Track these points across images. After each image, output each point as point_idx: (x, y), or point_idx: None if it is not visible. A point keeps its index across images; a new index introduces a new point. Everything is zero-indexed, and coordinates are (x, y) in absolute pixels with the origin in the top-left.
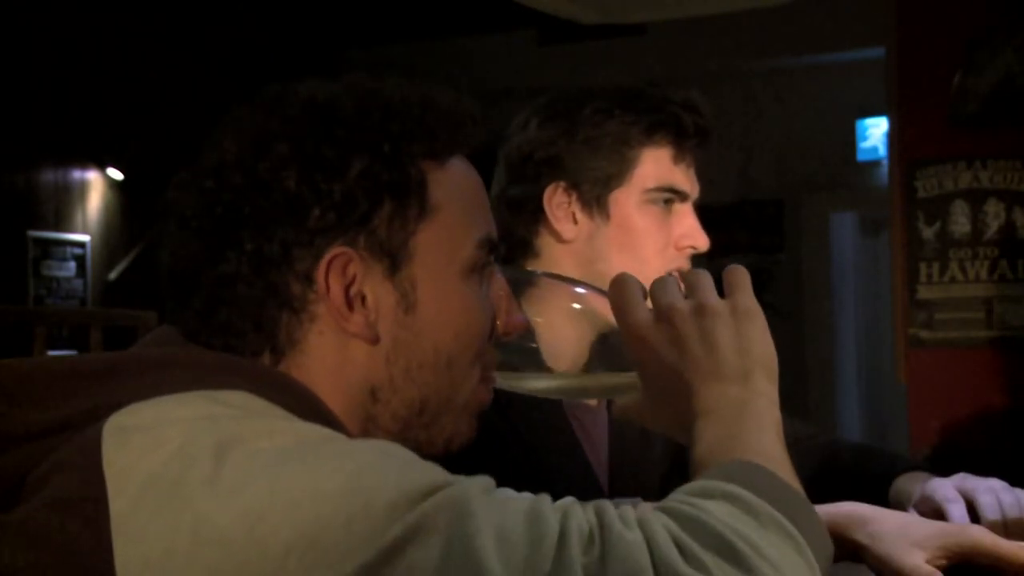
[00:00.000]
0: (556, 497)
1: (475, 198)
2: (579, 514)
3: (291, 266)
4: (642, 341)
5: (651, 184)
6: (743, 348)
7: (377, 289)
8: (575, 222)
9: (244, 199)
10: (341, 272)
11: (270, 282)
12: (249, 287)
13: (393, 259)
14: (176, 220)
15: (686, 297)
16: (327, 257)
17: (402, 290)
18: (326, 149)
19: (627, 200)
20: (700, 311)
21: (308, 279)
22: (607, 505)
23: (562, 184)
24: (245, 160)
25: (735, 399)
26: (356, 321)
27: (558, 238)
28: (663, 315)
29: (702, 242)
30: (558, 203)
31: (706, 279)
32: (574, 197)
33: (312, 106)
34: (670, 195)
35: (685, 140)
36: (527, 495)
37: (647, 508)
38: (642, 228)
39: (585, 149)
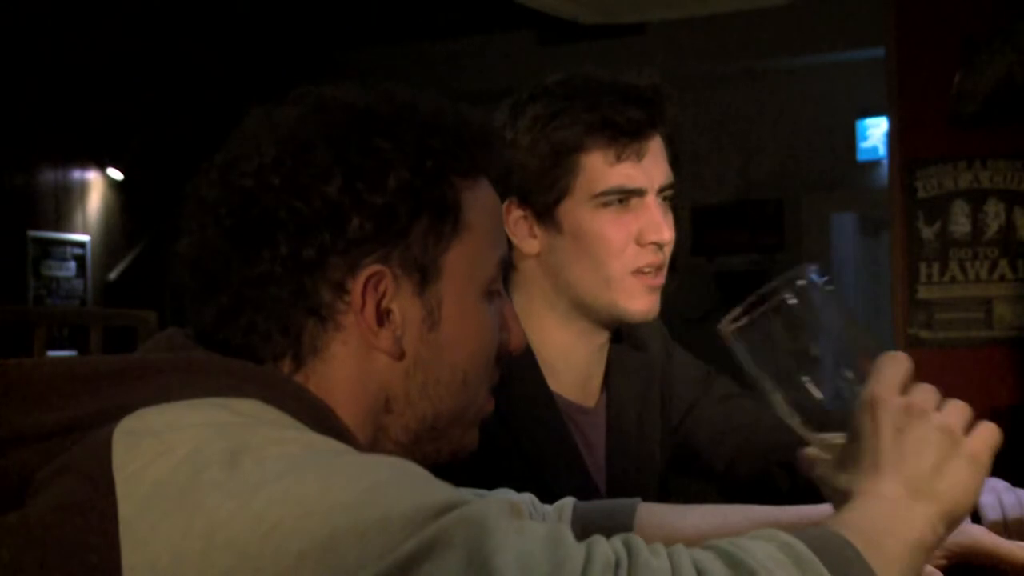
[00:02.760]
0: (554, 499)
1: (498, 219)
2: (604, 543)
3: (325, 273)
4: (874, 414)
5: (597, 189)
6: (949, 483)
7: (405, 305)
8: (534, 236)
9: (283, 202)
10: (375, 288)
11: (302, 286)
12: (279, 289)
13: (424, 275)
14: (207, 216)
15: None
16: (365, 274)
17: (428, 307)
18: (369, 159)
19: (576, 209)
20: (943, 430)
21: (340, 288)
22: (635, 537)
23: (515, 200)
24: (286, 163)
25: (902, 504)
26: (384, 337)
27: (523, 253)
28: (910, 408)
29: (665, 236)
30: (515, 220)
31: (968, 412)
32: (529, 212)
33: (353, 114)
34: (620, 195)
35: (622, 138)
36: (545, 524)
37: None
38: (595, 234)
39: (527, 161)
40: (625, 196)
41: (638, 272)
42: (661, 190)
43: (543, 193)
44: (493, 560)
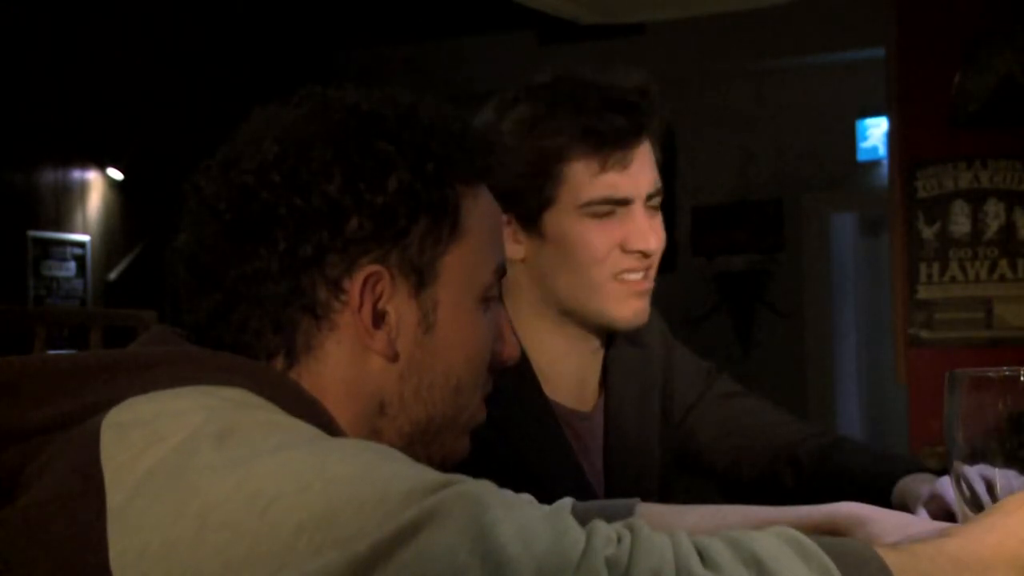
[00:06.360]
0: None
1: (497, 226)
2: (605, 524)
3: (322, 271)
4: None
5: (582, 200)
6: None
7: (401, 307)
8: (518, 242)
9: (283, 199)
10: (372, 289)
11: (298, 284)
12: (276, 286)
13: (421, 277)
14: (206, 211)
15: None
16: (363, 274)
17: (424, 310)
18: (370, 160)
19: (560, 219)
20: None
21: (336, 286)
22: (637, 520)
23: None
24: (287, 161)
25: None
26: (379, 338)
27: (509, 259)
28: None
29: (652, 244)
30: None
31: None
32: (513, 217)
33: (356, 115)
34: (606, 205)
35: (607, 147)
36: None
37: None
38: (578, 241)
39: (508, 170)
40: (611, 206)
41: (621, 277)
42: (649, 197)
43: (527, 200)
44: (494, 531)
